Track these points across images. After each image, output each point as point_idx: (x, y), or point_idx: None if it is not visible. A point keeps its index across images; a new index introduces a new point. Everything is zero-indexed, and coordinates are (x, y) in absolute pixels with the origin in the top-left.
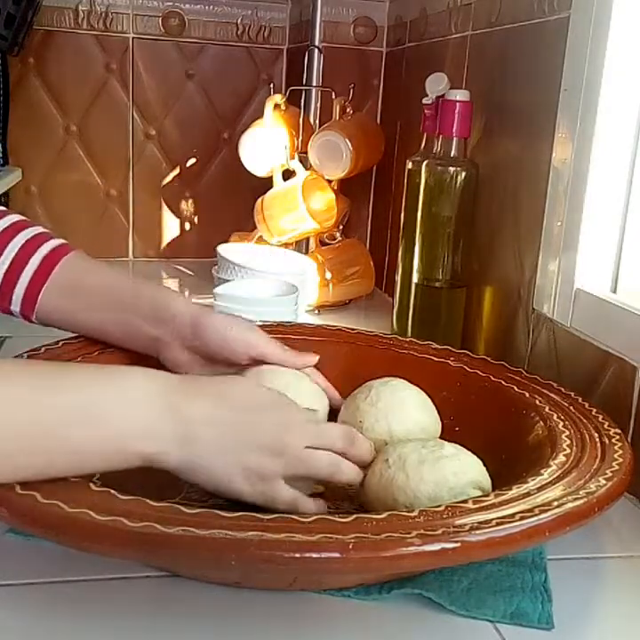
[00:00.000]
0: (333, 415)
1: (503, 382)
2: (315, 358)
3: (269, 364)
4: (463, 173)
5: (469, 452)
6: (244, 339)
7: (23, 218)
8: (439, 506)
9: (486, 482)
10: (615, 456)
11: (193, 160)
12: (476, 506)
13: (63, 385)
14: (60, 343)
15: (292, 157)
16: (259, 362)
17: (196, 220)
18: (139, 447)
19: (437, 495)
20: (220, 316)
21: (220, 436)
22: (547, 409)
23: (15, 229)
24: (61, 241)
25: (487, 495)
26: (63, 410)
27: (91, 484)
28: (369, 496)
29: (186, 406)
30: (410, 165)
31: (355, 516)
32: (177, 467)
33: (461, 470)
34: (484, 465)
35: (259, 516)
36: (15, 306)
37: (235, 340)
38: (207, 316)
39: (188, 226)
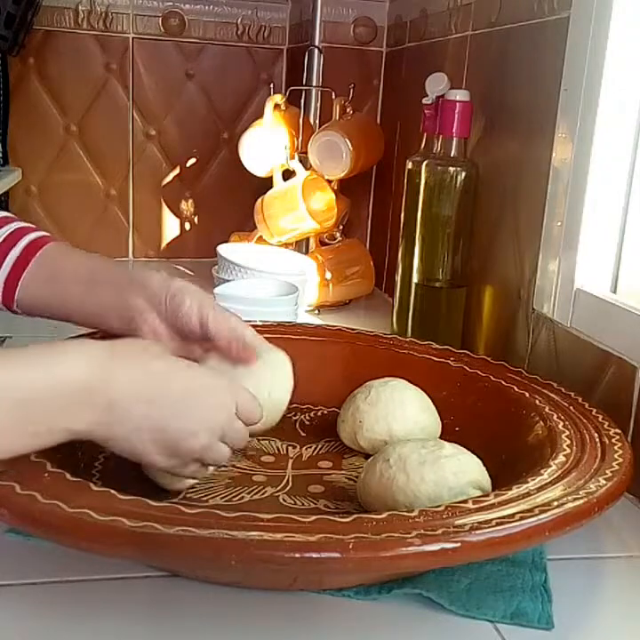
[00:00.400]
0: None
1: (503, 382)
2: (254, 362)
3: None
4: (463, 173)
5: (469, 452)
6: (198, 314)
7: (7, 214)
8: (439, 506)
9: (486, 482)
10: (615, 456)
11: (193, 160)
12: (476, 506)
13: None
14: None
15: (292, 157)
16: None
17: (195, 220)
18: (64, 424)
19: (437, 495)
20: (187, 286)
21: (136, 414)
22: (547, 409)
23: None
24: (43, 233)
25: (487, 495)
26: None
27: (91, 484)
28: (369, 496)
29: (115, 380)
30: (410, 165)
31: (355, 516)
32: (99, 437)
33: (461, 470)
34: (484, 465)
35: (259, 515)
36: None
37: (189, 315)
38: (174, 285)
39: (188, 226)
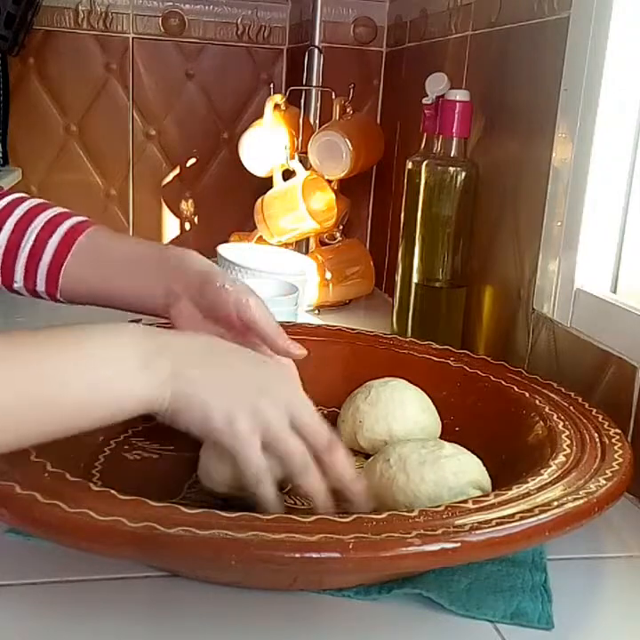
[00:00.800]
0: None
1: (503, 382)
2: (303, 352)
3: (257, 336)
4: (463, 173)
5: (469, 452)
6: (237, 300)
7: (43, 201)
8: (439, 506)
9: (486, 482)
10: (615, 456)
11: (193, 160)
12: (476, 506)
13: (52, 342)
14: None
15: (292, 157)
16: (249, 328)
17: (195, 220)
18: (133, 390)
19: (437, 495)
20: (226, 275)
21: (214, 372)
22: (547, 409)
23: (34, 213)
24: (83, 217)
25: (487, 495)
26: (59, 362)
27: (91, 484)
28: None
29: (176, 345)
30: (410, 165)
31: (355, 516)
32: (172, 404)
33: (461, 470)
34: (484, 465)
35: (259, 516)
36: (40, 286)
37: (226, 296)
38: (212, 272)
39: (188, 226)
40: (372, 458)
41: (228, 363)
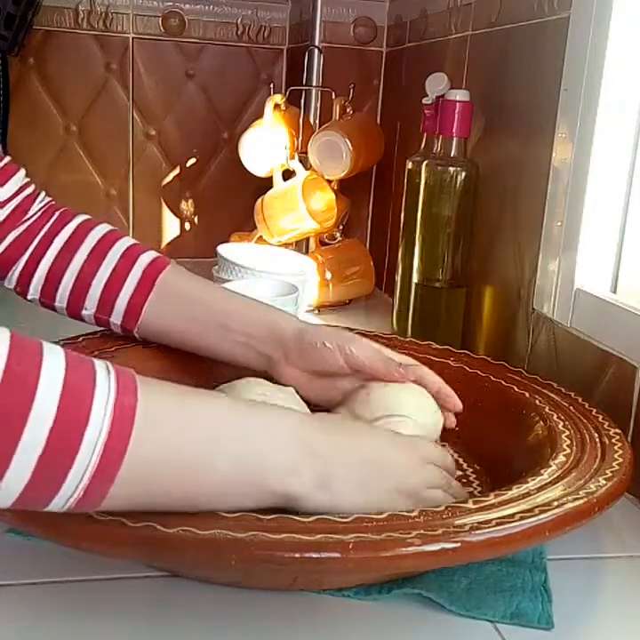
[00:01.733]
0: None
1: (503, 382)
2: (423, 369)
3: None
4: (463, 173)
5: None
6: (340, 350)
7: (112, 228)
8: (439, 506)
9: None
10: (615, 456)
11: (193, 160)
12: (476, 506)
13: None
14: (81, 339)
15: (292, 157)
16: (363, 374)
17: (195, 220)
18: (280, 485)
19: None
20: (320, 330)
21: (354, 476)
22: (547, 409)
23: (110, 240)
24: (157, 254)
25: (487, 495)
26: (211, 442)
27: None
28: None
29: (319, 444)
30: (410, 165)
31: (355, 516)
32: (314, 509)
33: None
34: (484, 464)
35: (259, 516)
36: (116, 319)
37: (331, 353)
38: (308, 333)
39: (187, 226)
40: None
41: (367, 459)
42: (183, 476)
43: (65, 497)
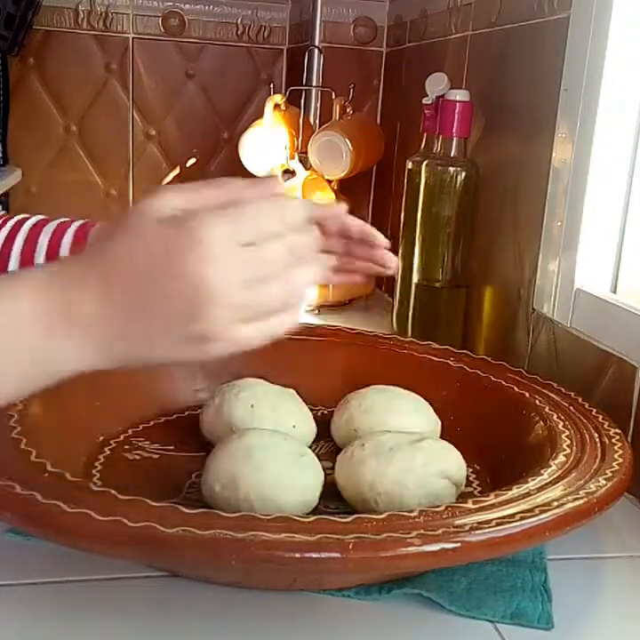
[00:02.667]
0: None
1: (503, 382)
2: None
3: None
4: (463, 173)
5: (451, 447)
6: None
7: (44, 217)
8: (439, 506)
9: (459, 475)
10: (615, 456)
11: (193, 160)
12: (476, 506)
13: None
14: None
15: (292, 157)
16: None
17: None
18: (57, 369)
19: (401, 481)
20: None
21: (129, 322)
22: (547, 409)
23: (41, 224)
24: (86, 220)
25: (487, 495)
26: None
27: (91, 485)
28: (340, 477)
29: (77, 308)
30: (410, 165)
31: (355, 516)
32: (108, 368)
33: (430, 460)
34: (484, 465)
35: (259, 516)
36: None
37: None
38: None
39: None
40: (351, 443)
41: (134, 299)
42: None
43: None
